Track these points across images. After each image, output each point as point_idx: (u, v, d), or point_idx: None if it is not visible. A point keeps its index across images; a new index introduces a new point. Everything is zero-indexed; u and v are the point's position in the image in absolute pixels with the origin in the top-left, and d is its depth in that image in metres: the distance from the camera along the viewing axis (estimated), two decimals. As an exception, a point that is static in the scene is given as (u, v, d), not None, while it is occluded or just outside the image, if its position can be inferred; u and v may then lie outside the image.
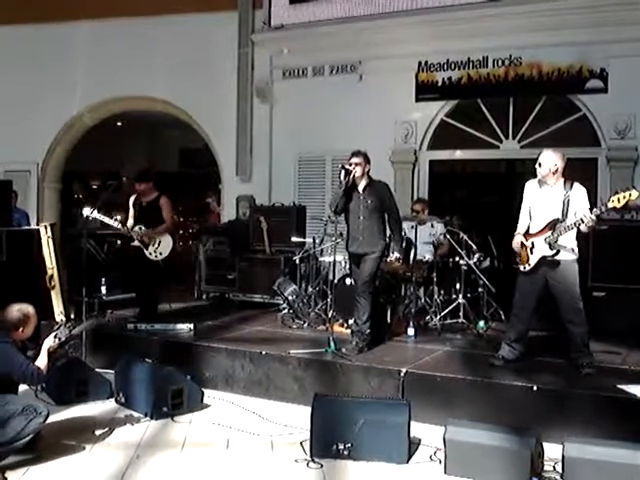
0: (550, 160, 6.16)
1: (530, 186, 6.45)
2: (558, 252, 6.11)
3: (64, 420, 6.10)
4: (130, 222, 8.39)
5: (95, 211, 8.03)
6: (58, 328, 5.46)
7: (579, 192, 6.14)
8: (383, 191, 7.14)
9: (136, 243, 8.28)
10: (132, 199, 8.52)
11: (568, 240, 6.14)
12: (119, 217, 8.54)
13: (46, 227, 8.54)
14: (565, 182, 6.19)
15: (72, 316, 8.39)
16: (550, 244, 6.11)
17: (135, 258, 8.38)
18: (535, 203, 6.37)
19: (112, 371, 6.85)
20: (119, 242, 10.79)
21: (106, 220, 8.11)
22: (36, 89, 12.83)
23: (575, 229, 6.04)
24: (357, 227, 7.09)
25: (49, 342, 5.30)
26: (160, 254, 8.27)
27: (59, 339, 5.31)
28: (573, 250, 6.19)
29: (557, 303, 6.23)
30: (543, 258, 6.18)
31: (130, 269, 8.80)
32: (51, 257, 8.46)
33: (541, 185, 6.32)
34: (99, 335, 7.95)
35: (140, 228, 8.27)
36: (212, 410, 6.51)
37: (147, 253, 8.25)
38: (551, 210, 6.18)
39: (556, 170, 6.16)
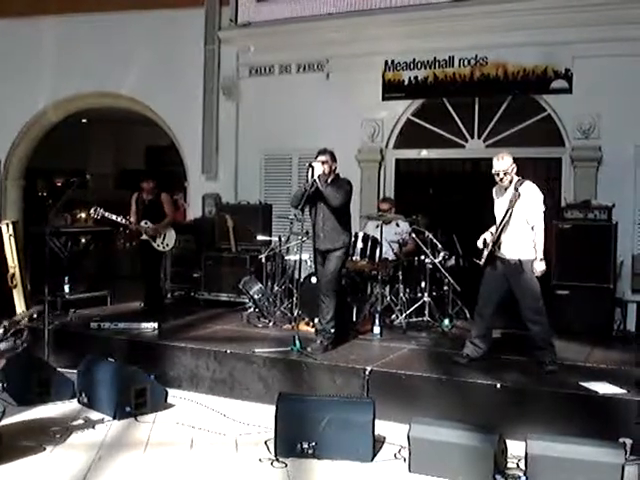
0: (508, 165, 6.28)
1: (494, 190, 6.59)
2: (492, 251, 6.33)
3: (25, 421, 6.01)
4: (133, 218, 9.13)
5: (101, 210, 8.85)
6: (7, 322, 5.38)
7: (525, 191, 6.23)
8: (344, 186, 7.12)
9: (144, 237, 9.08)
10: (134, 197, 9.30)
11: (527, 240, 6.21)
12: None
13: (8, 225, 8.44)
14: (517, 181, 6.28)
15: (34, 316, 8.29)
16: (492, 244, 6.34)
17: (143, 250, 9.20)
18: (497, 205, 6.52)
19: (75, 371, 6.76)
20: (83, 240, 10.67)
21: (113, 217, 8.95)
22: (0, 84, 12.64)
23: (526, 230, 6.21)
24: (319, 224, 7.12)
25: None
26: (167, 245, 9.22)
27: (3, 327, 5.21)
28: (533, 250, 6.25)
29: (518, 302, 6.30)
30: (497, 257, 6.36)
31: (140, 260, 9.47)
32: (13, 255, 8.36)
33: (501, 190, 6.46)
34: (62, 334, 7.87)
35: (146, 223, 9.06)
36: (176, 410, 6.47)
37: (155, 245, 9.11)
38: (502, 210, 6.33)
39: (512, 171, 6.30)
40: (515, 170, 6.31)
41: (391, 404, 5.97)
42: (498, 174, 6.30)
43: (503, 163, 6.28)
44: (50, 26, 12.42)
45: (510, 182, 6.29)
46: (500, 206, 6.40)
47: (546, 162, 9.93)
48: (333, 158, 7.10)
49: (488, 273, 6.46)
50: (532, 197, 6.23)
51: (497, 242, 6.30)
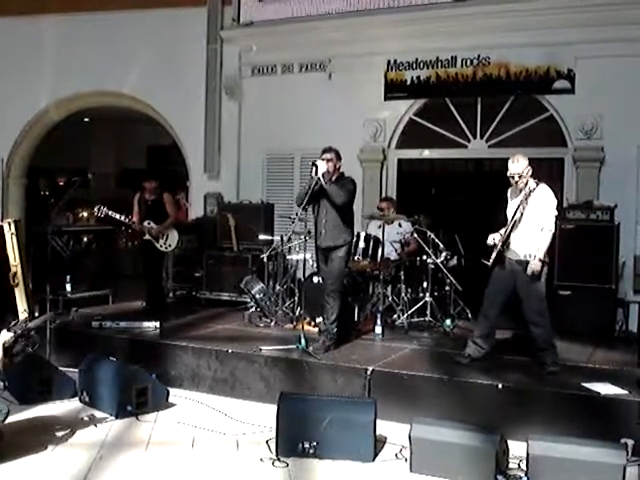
0: (522, 167, 6.25)
1: (509, 191, 6.56)
2: (500, 251, 6.29)
3: (27, 419, 6.00)
4: (136, 218, 9.13)
5: (105, 209, 8.83)
6: (15, 324, 5.37)
7: (540, 193, 6.21)
8: (347, 184, 7.12)
9: (147, 237, 9.06)
10: (136, 197, 9.29)
11: (533, 242, 6.19)
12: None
13: (10, 224, 8.41)
14: (534, 184, 6.26)
15: (36, 314, 8.29)
16: (501, 244, 6.30)
17: (146, 249, 9.17)
18: (509, 206, 6.49)
19: (76, 370, 6.76)
20: (85, 239, 10.70)
21: (117, 216, 8.95)
22: (1, 83, 12.64)
23: (535, 231, 6.16)
24: (322, 221, 7.11)
25: (4, 337, 5.19)
26: (170, 246, 9.20)
27: (15, 332, 5.21)
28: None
29: (521, 303, 6.29)
30: (505, 257, 6.33)
31: (142, 259, 9.42)
32: (15, 254, 8.34)
33: (515, 192, 6.42)
34: (64, 333, 7.86)
35: (149, 223, 9.03)
36: (177, 409, 6.46)
37: (158, 245, 9.09)
38: (514, 211, 6.29)
39: (529, 174, 6.27)
40: (530, 172, 6.26)
41: (392, 404, 5.96)
42: (513, 177, 6.27)
43: (518, 166, 6.24)
44: (51, 25, 12.42)
45: (525, 184, 6.27)
46: (513, 207, 6.36)
47: (548, 162, 9.91)
48: (338, 156, 7.11)
49: (495, 274, 6.42)
50: (546, 200, 6.19)
51: (506, 242, 6.28)
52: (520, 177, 6.23)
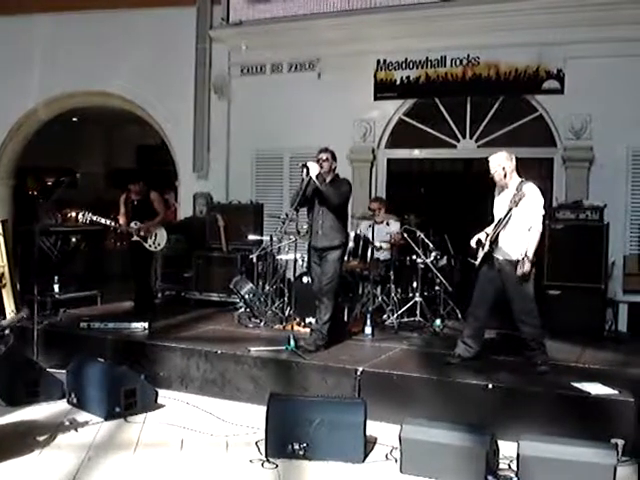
0: (496, 164, 6.26)
1: (496, 190, 6.54)
2: (488, 251, 6.28)
3: (14, 421, 5.96)
4: (123, 220, 8.92)
5: (89, 214, 8.53)
6: None
7: (528, 192, 6.18)
8: (342, 186, 7.10)
9: (135, 238, 8.85)
10: (122, 198, 9.05)
11: (524, 241, 6.17)
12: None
13: (-3, 224, 8.36)
14: (519, 182, 6.25)
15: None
16: (489, 243, 6.28)
17: (134, 250, 8.94)
18: (495, 204, 6.48)
19: (64, 371, 6.71)
20: (74, 239, 10.63)
21: (102, 221, 8.69)
22: (-12, 83, 12.59)
23: (523, 231, 6.13)
24: (318, 221, 7.09)
25: None
26: (159, 245, 9.00)
27: None
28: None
29: (510, 303, 6.28)
30: (493, 257, 6.31)
31: (130, 260, 9.18)
32: (2, 254, 8.28)
33: (499, 189, 6.41)
34: (52, 334, 7.82)
35: (136, 223, 8.84)
36: (166, 410, 6.43)
37: (147, 245, 8.89)
38: (502, 211, 6.27)
39: (505, 171, 6.25)
40: (506, 169, 6.27)
41: (383, 405, 5.95)
42: (491, 174, 6.32)
43: (491, 162, 6.33)
44: (40, 24, 12.34)
45: (501, 180, 6.29)
46: (499, 205, 6.37)
47: (538, 162, 9.92)
48: (334, 157, 7.11)
49: (483, 274, 6.42)
50: (533, 199, 6.18)
51: (494, 242, 6.26)
52: (494, 173, 6.28)
